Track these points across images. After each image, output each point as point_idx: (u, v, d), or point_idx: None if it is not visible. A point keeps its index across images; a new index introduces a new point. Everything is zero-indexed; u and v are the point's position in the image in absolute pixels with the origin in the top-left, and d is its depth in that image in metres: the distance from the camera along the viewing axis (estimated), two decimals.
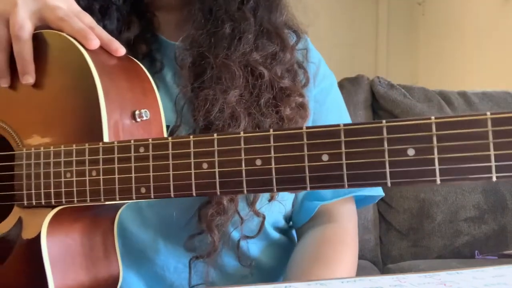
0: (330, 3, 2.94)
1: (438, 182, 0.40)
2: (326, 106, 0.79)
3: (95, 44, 0.56)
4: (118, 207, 0.60)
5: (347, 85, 1.74)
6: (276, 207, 0.73)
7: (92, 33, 0.56)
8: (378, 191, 0.81)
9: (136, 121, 0.56)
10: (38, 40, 0.57)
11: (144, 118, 0.57)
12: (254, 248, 0.74)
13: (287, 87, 0.71)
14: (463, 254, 1.58)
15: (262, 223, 0.72)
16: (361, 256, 1.58)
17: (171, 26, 0.76)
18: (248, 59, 0.69)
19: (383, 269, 1.58)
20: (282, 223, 0.78)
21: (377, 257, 1.62)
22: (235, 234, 0.71)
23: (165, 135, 0.61)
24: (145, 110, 0.57)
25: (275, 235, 0.77)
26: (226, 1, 0.70)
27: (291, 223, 0.82)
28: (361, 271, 1.44)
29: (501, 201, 1.59)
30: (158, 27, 0.76)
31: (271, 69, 0.70)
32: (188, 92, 0.69)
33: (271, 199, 0.70)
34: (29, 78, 0.56)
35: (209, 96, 0.66)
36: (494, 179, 0.38)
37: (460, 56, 2.62)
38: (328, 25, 2.89)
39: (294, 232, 0.83)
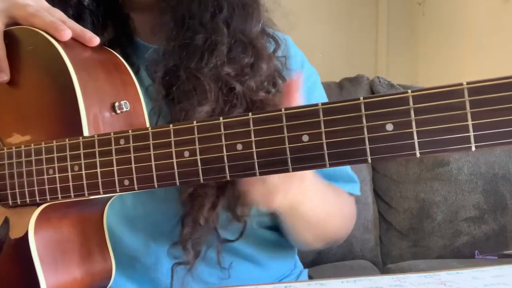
0: (330, 3, 2.92)
1: (418, 155, 0.39)
2: None
3: (67, 35, 0.55)
4: (105, 200, 0.60)
5: (347, 85, 1.73)
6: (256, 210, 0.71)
7: (63, 25, 0.55)
8: (354, 189, 0.81)
9: (116, 113, 0.56)
10: (9, 38, 0.57)
11: (124, 109, 0.56)
12: (244, 246, 0.74)
13: (262, 100, 0.68)
14: (463, 254, 1.57)
15: (244, 227, 0.70)
16: (361, 256, 1.58)
17: (146, 27, 0.74)
18: (219, 72, 0.67)
19: (383, 269, 1.57)
20: (270, 221, 0.77)
21: (377, 257, 1.61)
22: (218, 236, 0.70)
23: (148, 125, 0.61)
24: (124, 101, 0.56)
25: (263, 233, 0.77)
26: (200, 10, 0.68)
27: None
28: (361, 271, 1.44)
29: (501, 201, 1.58)
30: (134, 29, 0.75)
31: (244, 82, 0.68)
32: (162, 105, 0.67)
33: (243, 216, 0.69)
34: (3, 76, 0.55)
35: (182, 110, 0.65)
36: (473, 149, 0.38)
37: (460, 56, 2.60)
38: (328, 25, 2.88)
39: None
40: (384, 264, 1.60)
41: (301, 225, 0.71)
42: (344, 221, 0.79)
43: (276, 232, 0.79)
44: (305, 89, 0.78)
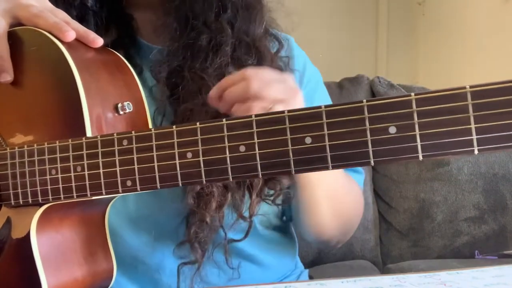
0: (330, 3, 2.92)
1: (421, 158, 0.39)
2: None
3: (71, 35, 0.55)
4: (107, 201, 0.60)
5: (347, 85, 1.72)
6: (264, 207, 0.72)
7: (67, 26, 0.55)
8: (357, 179, 0.80)
9: (119, 114, 0.56)
10: (13, 38, 0.57)
11: (127, 110, 0.56)
12: (246, 247, 0.74)
13: None
14: (463, 254, 1.57)
15: (249, 227, 0.71)
16: (361, 256, 1.58)
17: (150, 27, 0.74)
18: (224, 72, 0.67)
19: (383, 269, 1.57)
20: (274, 221, 0.78)
21: (377, 257, 1.61)
22: (224, 236, 0.70)
23: (150, 126, 0.61)
24: (127, 102, 0.57)
25: (267, 233, 0.77)
26: (203, 10, 0.68)
27: (284, 218, 0.81)
28: (361, 271, 1.44)
29: (501, 201, 1.59)
30: (137, 30, 0.75)
31: None
32: (166, 106, 0.68)
33: (251, 215, 0.70)
34: (7, 76, 0.56)
35: (187, 109, 0.65)
36: (476, 152, 0.38)
37: (460, 56, 2.59)
38: (328, 25, 2.87)
39: (292, 228, 0.84)
40: (384, 264, 1.60)
41: (320, 194, 0.70)
42: (355, 199, 0.80)
43: (278, 232, 0.79)
44: (308, 89, 0.79)
